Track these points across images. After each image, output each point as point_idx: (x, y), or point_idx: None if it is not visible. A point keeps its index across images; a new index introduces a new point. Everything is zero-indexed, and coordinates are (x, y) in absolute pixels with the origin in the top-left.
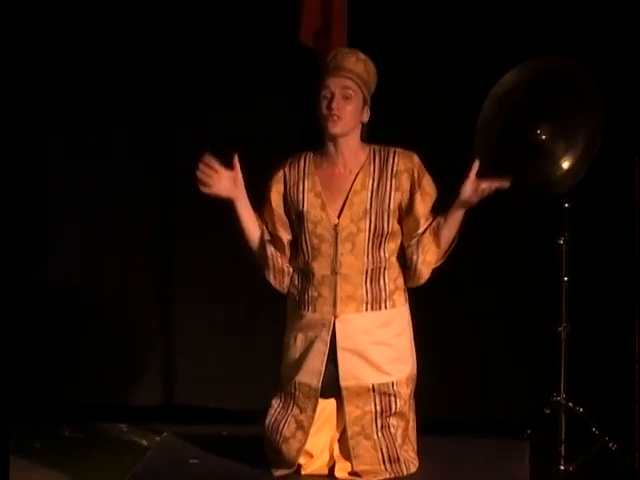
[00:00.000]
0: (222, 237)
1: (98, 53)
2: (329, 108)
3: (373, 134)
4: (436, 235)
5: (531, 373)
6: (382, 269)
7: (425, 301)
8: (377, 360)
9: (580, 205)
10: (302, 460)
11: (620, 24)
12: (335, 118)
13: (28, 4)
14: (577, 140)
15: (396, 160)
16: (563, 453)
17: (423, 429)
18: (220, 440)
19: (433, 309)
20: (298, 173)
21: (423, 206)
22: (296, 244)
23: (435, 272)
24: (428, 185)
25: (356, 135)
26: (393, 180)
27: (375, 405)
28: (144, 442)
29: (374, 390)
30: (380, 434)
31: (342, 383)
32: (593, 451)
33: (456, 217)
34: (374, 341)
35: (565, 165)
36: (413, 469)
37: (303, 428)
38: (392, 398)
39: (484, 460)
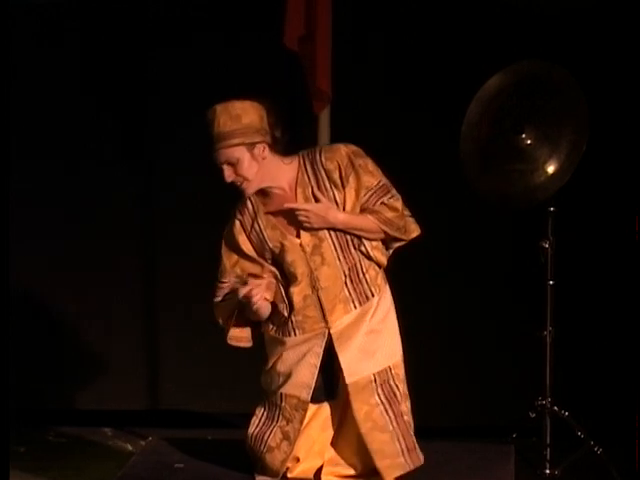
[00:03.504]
0: (207, 240)
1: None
2: (226, 179)
3: (356, 137)
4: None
5: (516, 377)
6: (356, 263)
7: (410, 305)
8: (372, 349)
9: (565, 209)
10: (288, 463)
11: (604, 29)
12: (238, 185)
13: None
14: (561, 144)
15: (323, 160)
16: (548, 457)
17: None
18: (205, 444)
19: (418, 313)
20: (250, 215)
21: (350, 201)
22: None
23: (420, 275)
24: (354, 180)
25: (270, 166)
26: (328, 181)
27: (379, 396)
28: (129, 447)
29: (375, 381)
30: (395, 424)
31: (348, 380)
32: (578, 455)
33: (343, 227)
34: (366, 331)
35: (550, 169)
36: (422, 457)
37: (289, 439)
38: (393, 383)
39: (469, 464)
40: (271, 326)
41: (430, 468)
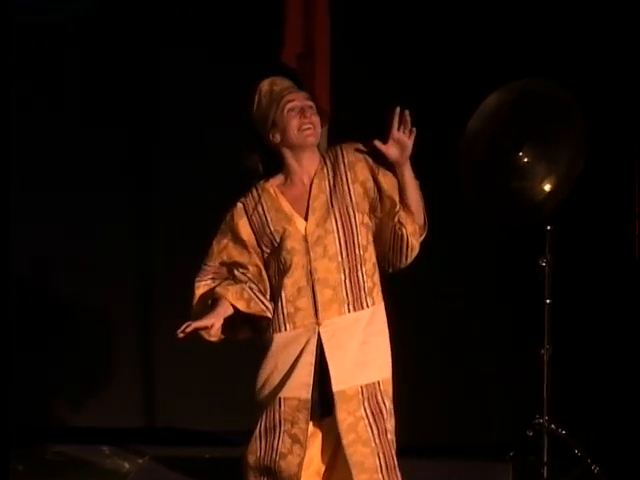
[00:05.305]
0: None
1: (81, 84)
2: (304, 117)
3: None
4: (405, 204)
5: (514, 395)
6: (358, 266)
7: (407, 322)
8: (362, 360)
9: (562, 227)
10: None
11: (603, 47)
12: (310, 126)
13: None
14: (559, 162)
15: (345, 153)
16: (545, 475)
17: (405, 451)
18: (203, 463)
19: (415, 330)
20: (254, 199)
21: (390, 183)
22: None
23: (418, 292)
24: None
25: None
26: (348, 174)
27: (365, 410)
28: (126, 465)
29: (362, 394)
30: (378, 440)
31: (334, 389)
32: (575, 473)
33: (404, 179)
34: (359, 341)
35: (547, 188)
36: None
37: (299, 442)
38: (380, 398)
39: None
40: (263, 326)
41: None
